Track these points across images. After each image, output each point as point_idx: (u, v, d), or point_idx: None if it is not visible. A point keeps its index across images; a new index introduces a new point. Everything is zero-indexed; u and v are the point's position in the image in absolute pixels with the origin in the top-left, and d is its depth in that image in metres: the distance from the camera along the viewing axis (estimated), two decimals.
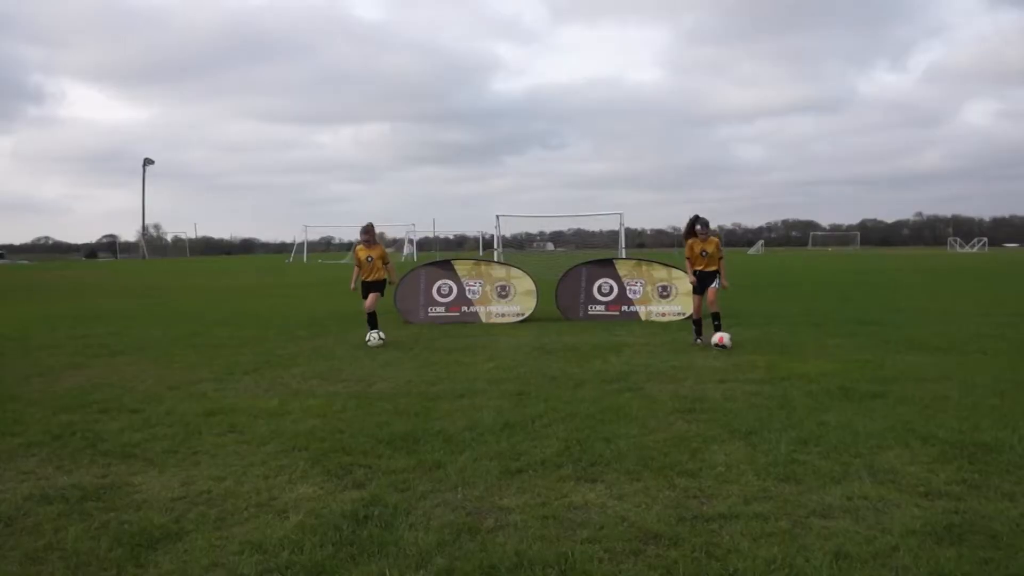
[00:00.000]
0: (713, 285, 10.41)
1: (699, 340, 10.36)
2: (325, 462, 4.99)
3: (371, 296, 10.88)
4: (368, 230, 10.96)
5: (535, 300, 13.86)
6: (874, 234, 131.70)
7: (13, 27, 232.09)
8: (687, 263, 10.64)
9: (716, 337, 9.74)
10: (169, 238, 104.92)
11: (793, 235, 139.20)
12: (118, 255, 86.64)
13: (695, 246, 10.44)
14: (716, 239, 10.58)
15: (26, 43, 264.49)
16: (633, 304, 13.81)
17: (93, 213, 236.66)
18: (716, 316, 10.18)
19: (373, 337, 10.43)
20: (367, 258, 10.89)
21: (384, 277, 11.05)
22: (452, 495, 4.37)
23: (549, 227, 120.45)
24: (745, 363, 8.66)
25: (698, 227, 10.39)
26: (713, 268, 10.45)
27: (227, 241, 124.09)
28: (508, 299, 13.88)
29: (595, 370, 8.41)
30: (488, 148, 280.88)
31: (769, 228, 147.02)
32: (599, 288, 13.98)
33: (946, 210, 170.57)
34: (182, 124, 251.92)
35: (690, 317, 13.38)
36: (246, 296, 21.73)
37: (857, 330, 11.62)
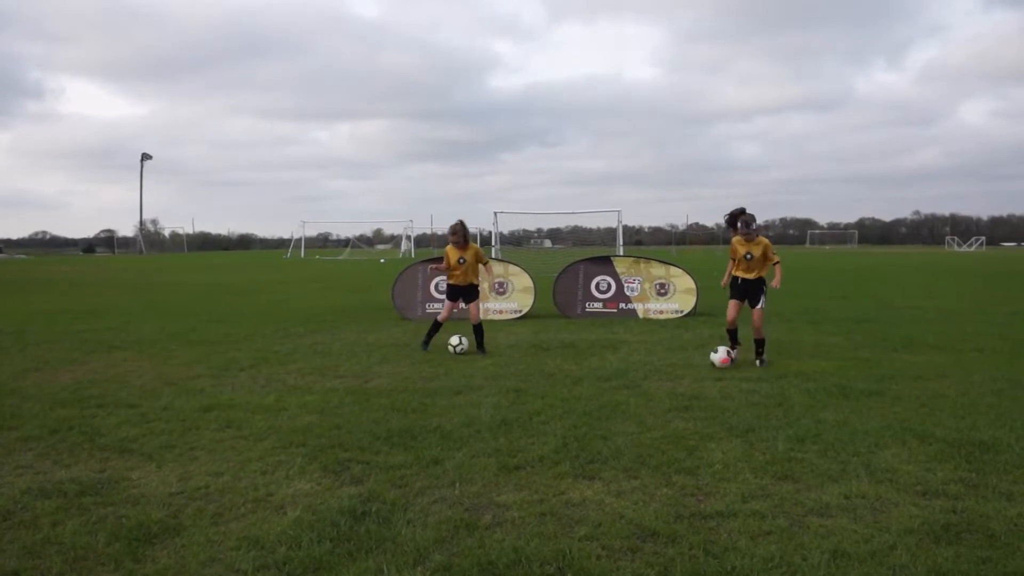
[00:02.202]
0: (759, 306, 8.53)
1: (738, 347, 8.82)
2: (322, 458, 4.99)
3: (472, 306, 9.68)
4: (456, 230, 9.57)
5: (532, 297, 13.86)
6: (872, 232, 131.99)
7: (13, 24, 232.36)
8: (730, 263, 8.84)
9: (758, 361, 8.47)
10: (167, 233, 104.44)
11: (791, 233, 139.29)
12: (115, 250, 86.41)
13: (738, 247, 8.60)
14: (766, 241, 8.57)
15: (26, 39, 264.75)
16: (631, 301, 13.82)
17: (91, 208, 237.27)
18: (760, 343, 8.55)
19: (454, 341, 9.45)
20: (459, 260, 9.49)
21: (476, 282, 9.70)
22: (450, 491, 4.37)
23: (547, 224, 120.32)
24: (742, 361, 8.66)
25: (739, 223, 8.51)
26: (758, 275, 8.57)
27: (224, 237, 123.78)
28: (506, 296, 13.88)
29: (592, 367, 8.41)
30: (486, 145, 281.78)
31: (766, 226, 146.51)
32: (597, 285, 13.98)
33: (944, 209, 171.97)
34: (180, 120, 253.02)
35: (688, 315, 13.51)
36: (243, 292, 21.69)
37: (854, 328, 11.64)
